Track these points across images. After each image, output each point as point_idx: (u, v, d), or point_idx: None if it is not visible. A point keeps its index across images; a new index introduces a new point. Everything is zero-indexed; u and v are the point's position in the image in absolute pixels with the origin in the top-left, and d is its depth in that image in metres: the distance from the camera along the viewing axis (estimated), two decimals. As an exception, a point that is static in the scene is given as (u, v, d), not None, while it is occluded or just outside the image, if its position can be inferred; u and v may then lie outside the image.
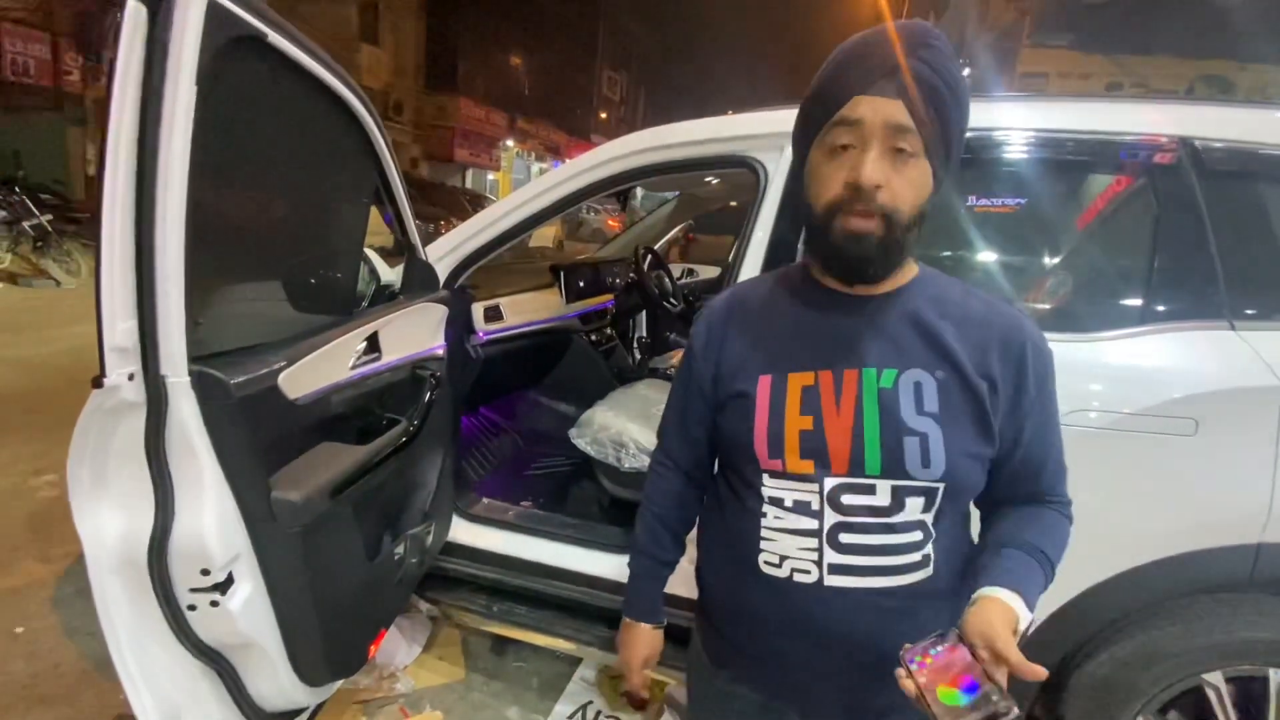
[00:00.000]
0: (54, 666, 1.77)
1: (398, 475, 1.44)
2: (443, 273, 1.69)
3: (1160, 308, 1.23)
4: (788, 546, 0.74)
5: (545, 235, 12.16)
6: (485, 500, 1.87)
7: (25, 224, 6.71)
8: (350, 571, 1.32)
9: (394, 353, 1.42)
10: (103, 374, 0.87)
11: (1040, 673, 0.58)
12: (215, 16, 0.86)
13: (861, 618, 0.63)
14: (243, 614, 1.05)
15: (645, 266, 2.75)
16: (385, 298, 1.57)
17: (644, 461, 1.79)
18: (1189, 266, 1.22)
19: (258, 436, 1.05)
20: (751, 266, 1.40)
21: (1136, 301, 1.26)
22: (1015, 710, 0.57)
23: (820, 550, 0.72)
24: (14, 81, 9.25)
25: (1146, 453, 1.16)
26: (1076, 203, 1.40)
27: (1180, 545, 1.17)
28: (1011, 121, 1.34)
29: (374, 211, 1.53)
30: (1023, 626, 0.65)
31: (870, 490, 0.71)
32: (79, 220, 7.22)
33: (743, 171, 1.48)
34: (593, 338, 2.79)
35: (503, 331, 2.19)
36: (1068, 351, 1.18)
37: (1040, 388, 0.74)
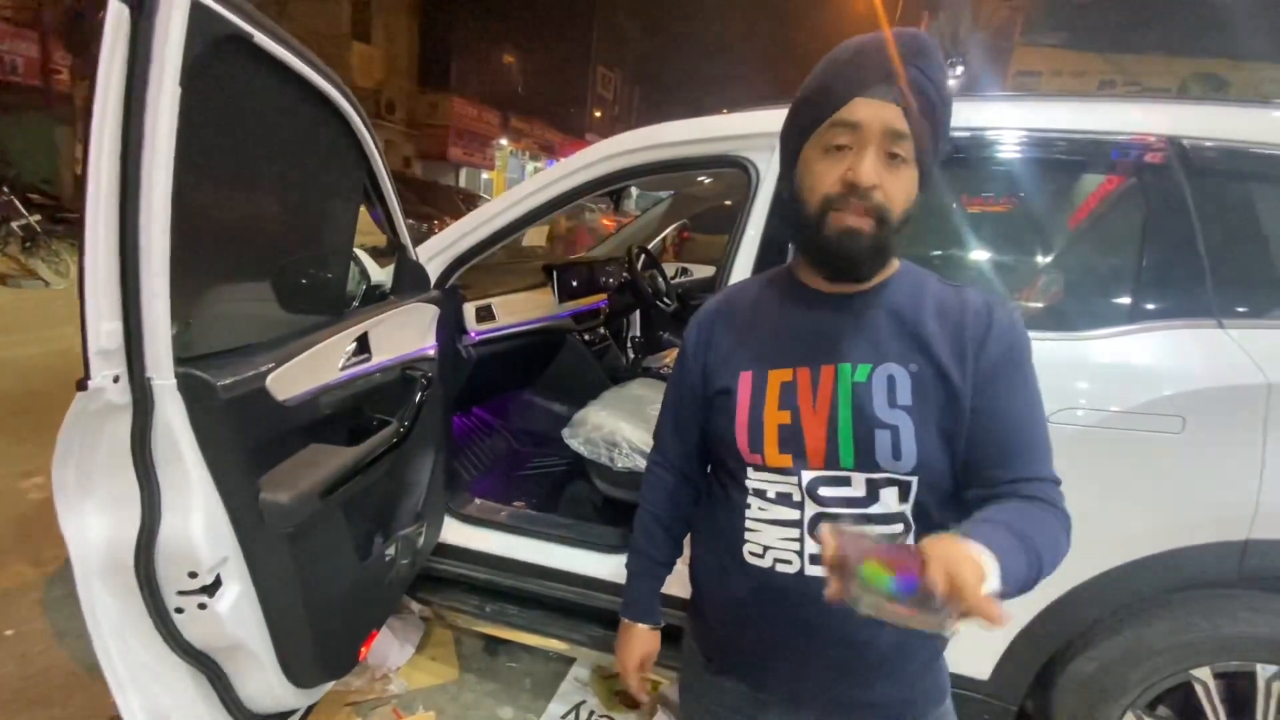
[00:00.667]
0: (45, 669, 1.76)
1: (389, 476, 1.44)
2: (434, 273, 1.68)
3: (1149, 306, 1.23)
4: (770, 537, 0.76)
5: (542, 233, 12.11)
6: (478, 501, 1.86)
7: (14, 224, 6.66)
8: (340, 573, 1.32)
9: (384, 353, 1.41)
10: (87, 376, 0.86)
11: (1005, 617, 0.51)
12: (199, 16, 0.85)
13: (841, 608, 0.63)
14: (231, 616, 1.04)
15: (639, 266, 2.75)
16: (376, 298, 1.56)
17: (637, 461, 1.79)
18: (1177, 265, 1.22)
19: (246, 438, 1.04)
20: (743, 265, 1.40)
21: (1125, 300, 1.26)
22: (953, 629, 0.50)
23: (801, 540, 0.74)
24: (2, 80, 9.17)
25: (1134, 451, 1.17)
26: (1065, 202, 1.40)
27: (1168, 542, 1.18)
28: (1002, 121, 1.34)
29: (366, 212, 1.52)
30: (987, 588, 0.55)
31: (846, 482, 0.73)
32: (68, 220, 7.17)
33: (735, 171, 1.48)
34: (586, 337, 2.78)
35: (495, 331, 2.19)
36: (1056, 350, 1.20)
37: (1004, 351, 0.71)
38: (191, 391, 0.94)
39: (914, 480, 0.72)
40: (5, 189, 6.75)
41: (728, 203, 3.23)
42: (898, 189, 0.69)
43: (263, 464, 1.09)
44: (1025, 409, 0.74)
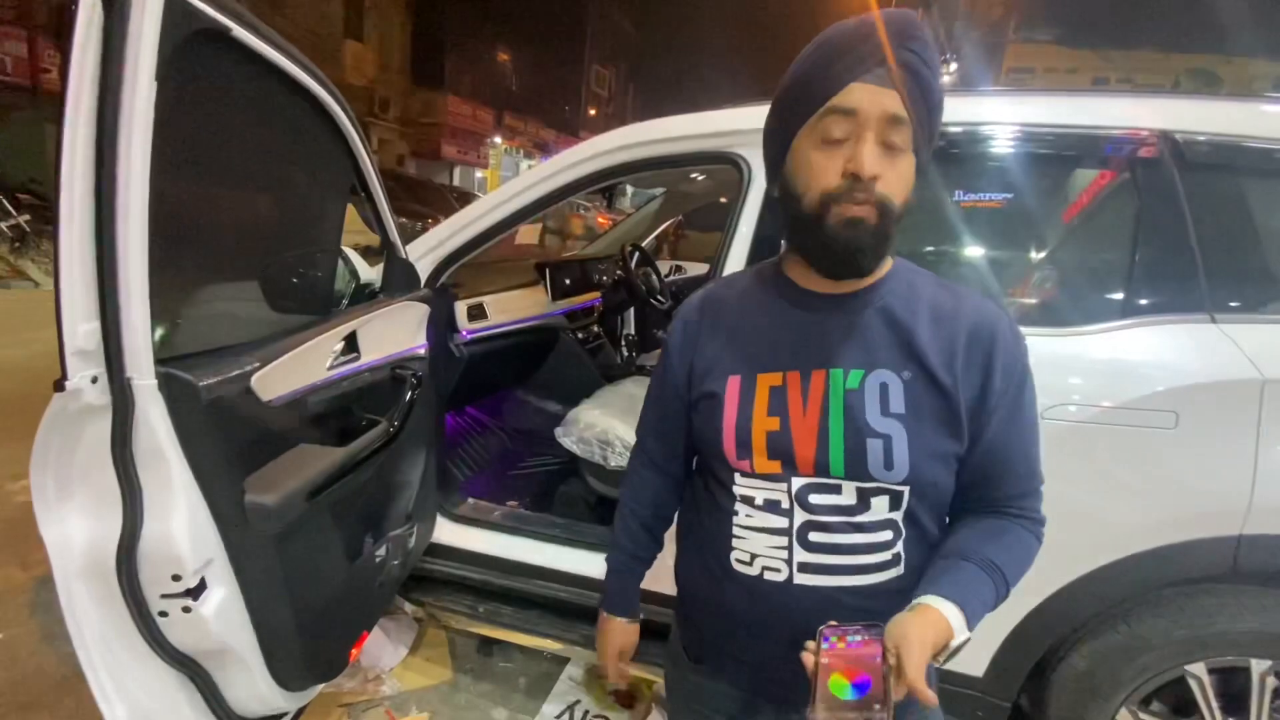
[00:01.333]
0: (34, 672, 1.74)
1: (378, 477, 1.42)
2: (424, 271, 1.67)
3: (1141, 301, 1.22)
4: (758, 544, 0.74)
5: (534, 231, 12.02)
6: (471, 500, 1.85)
7: (2, 224, 6.61)
8: (329, 574, 1.30)
9: (373, 353, 1.39)
10: (64, 377, 0.85)
11: (930, 699, 0.58)
12: (174, 10, 0.83)
13: (830, 616, 0.63)
14: (217, 619, 1.03)
15: (632, 263, 2.73)
16: (365, 297, 1.54)
17: (630, 460, 1.78)
18: (1170, 260, 1.22)
19: (229, 439, 1.02)
20: (736, 262, 1.39)
21: (1118, 295, 1.26)
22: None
23: (790, 549, 0.72)
24: (-11, 79, 9.09)
25: (1127, 446, 1.16)
26: (1058, 197, 1.40)
27: (1162, 538, 1.17)
28: (995, 116, 1.33)
29: (361, 212, 1.51)
30: (955, 643, 0.64)
31: (836, 490, 0.71)
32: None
33: (727, 168, 1.46)
34: (579, 335, 2.77)
35: (487, 330, 2.17)
36: (1049, 346, 1.19)
37: (1009, 380, 0.71)
38: (173, 392, 0.93)
39: (905, 490, 0.71)
40: (-7, 189, 6.70)
41: (722, 199, 3.22)
42: (897, 179, 0.66)
43: (248, 465, 1.08)
44: (1026, 433, 0.74)
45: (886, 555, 0.72)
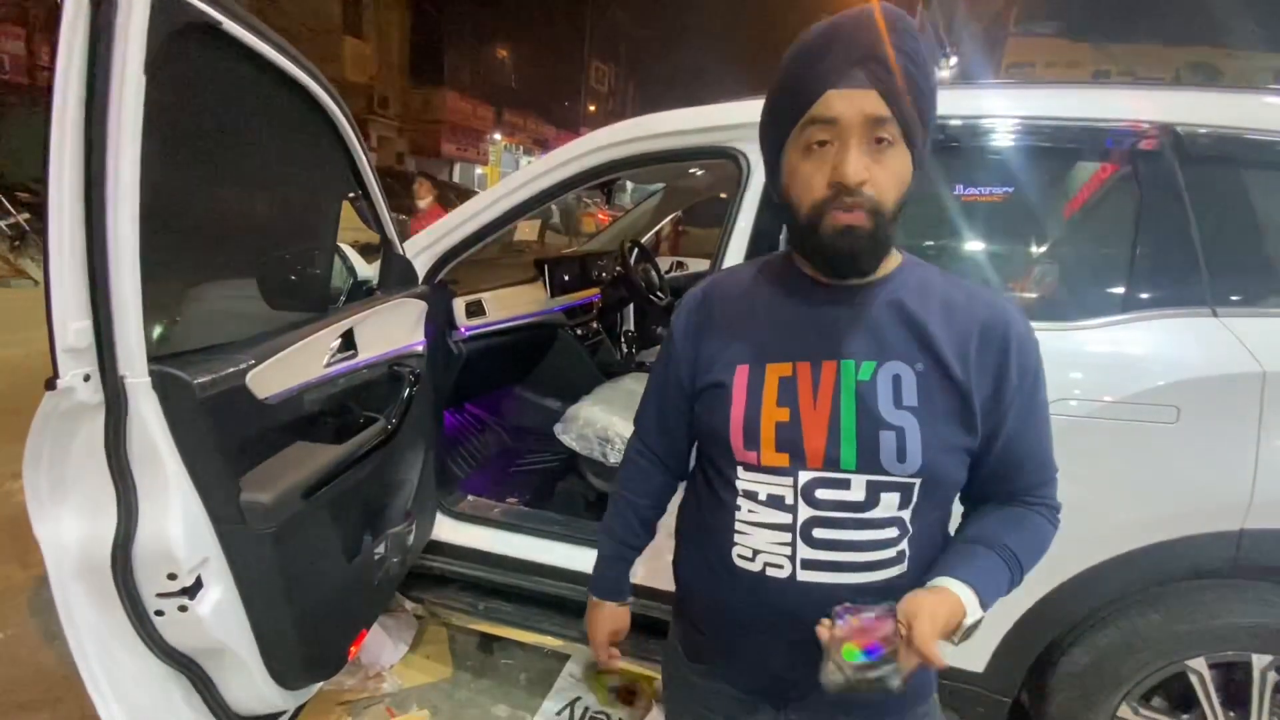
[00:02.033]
0: (34, 672, 1.74)
1: (376, 474, 1.42)
2: (421, 268, 1.66)
3: (1143, 295, 1.22)
4: (761, 541, 0.73)
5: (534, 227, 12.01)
6: (470, 497, 1.85)
7: (2, 223, 6.59)
8: (327, 572, 1.30)
9: (370, 350, 1.39)
10: (56, 375, 0.84)
11: (940, 662, 0.61)
12: (163, 2, 0.82)
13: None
14: (213, 618, 1.02)
15: (632, 260, 2.72)
16: (362, 294, 1.54)
17: (629, 456, 1.77)
18: (1172, 253, 1.21)
19: (225, 437, 1.02)
20: (735, 257, 1.38)
21: (1119, 289, 1.25)
22: (897, 684, 0.61)
23: (793, 545, 0.71)
24: (-10, 77, 9.08)
25: (1129, 440, 1.16)
26: (1060, 191, 1.39)
27: (1163, 532, 1.17)
28: (996, 109, 1.32)
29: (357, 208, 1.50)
30: (968, 622, 0.66)
31: (845, 485, 0.70)
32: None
33: (726, 163, 1.45)
34: (578, 332, 2.76)
35: (485, 327, 2.17)
36: (1051, 340, 1.17)
37: (1024, 377, 0.71)
38: (167, 390, 0.92)
39: (916, 484, 0.70)
40: (-8, 188, 6.69)
41: (722, 195, 3.21)
42: (888, 177, 0.66)
43: (243, 463, 1.07)
44: (1040, 426, 0.75)
45: (891, 552, 0.71)
